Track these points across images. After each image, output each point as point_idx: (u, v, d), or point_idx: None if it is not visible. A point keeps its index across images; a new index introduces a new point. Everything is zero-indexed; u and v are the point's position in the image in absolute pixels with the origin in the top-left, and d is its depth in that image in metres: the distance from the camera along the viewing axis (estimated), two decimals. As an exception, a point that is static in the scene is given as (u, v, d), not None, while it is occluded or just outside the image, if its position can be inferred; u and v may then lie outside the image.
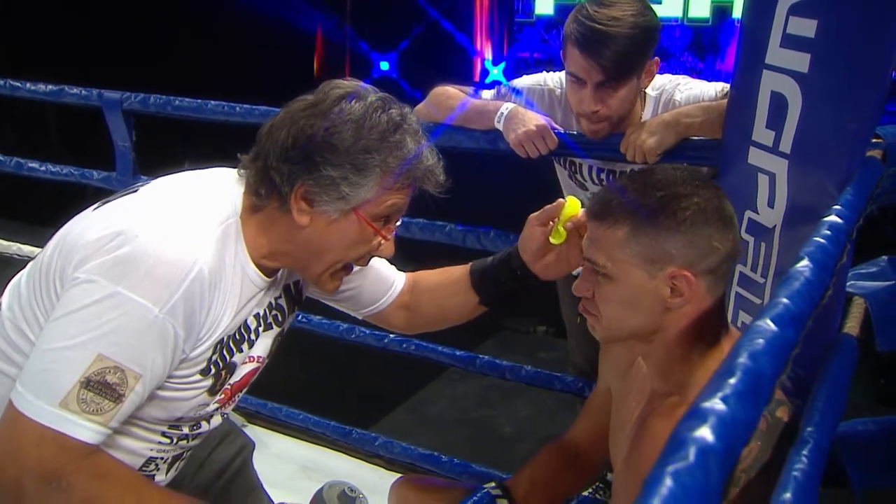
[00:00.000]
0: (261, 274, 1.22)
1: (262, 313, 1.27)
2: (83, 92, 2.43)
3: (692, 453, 0.55)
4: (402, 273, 1.52)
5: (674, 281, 1.11)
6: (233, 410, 2.65)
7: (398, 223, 1.26)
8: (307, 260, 1.22)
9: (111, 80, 2.67)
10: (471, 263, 1.49)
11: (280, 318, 1.32)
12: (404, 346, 2.23)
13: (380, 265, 1.48)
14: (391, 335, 2.23)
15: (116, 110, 2.36)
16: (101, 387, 1.04)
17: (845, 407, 1.28)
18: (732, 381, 0.66)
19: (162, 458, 1.26)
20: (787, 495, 0.99)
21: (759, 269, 1.50)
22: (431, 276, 1.53)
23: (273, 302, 1.30)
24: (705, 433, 0.58)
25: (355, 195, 1.15)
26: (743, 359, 0.71)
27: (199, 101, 2.25)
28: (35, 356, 1.08)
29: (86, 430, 1.05)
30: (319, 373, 3.25)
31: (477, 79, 9.60)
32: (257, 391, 2.56)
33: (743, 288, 1.56)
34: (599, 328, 1.20)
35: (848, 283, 1.52)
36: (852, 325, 1.41)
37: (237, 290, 1.18)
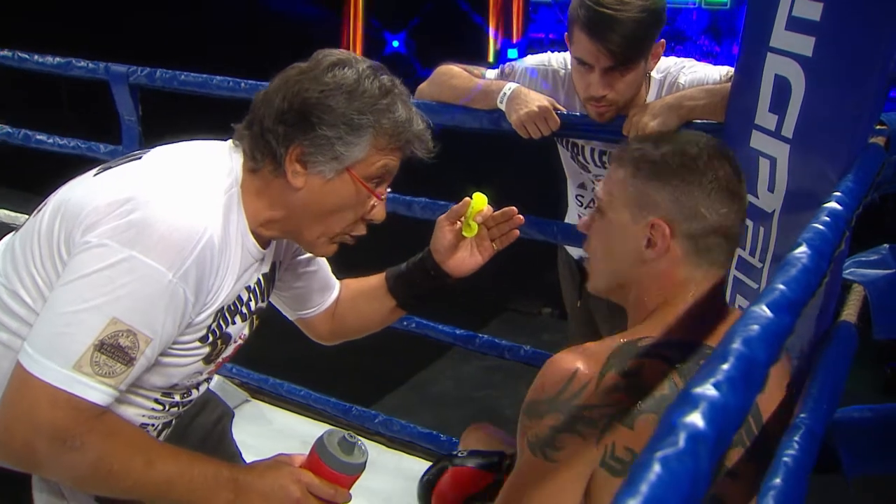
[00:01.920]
0: (257, 245, 1.24)
1: (252, 287, 1.29)
2: (90, 65, 2.43)
3: (682, 439, 0.55)
4: (337, 281, 1.56)
5: (651, 230, 1.13)
6: (237, 385, 2.71)
7: (389, 189, 1.28)
8: (302, 224, 1.24)
9: (122, 54, 2.68)
10: (386, 270, 1.55)
11: (259, 295, 1.33)
12: (405, 323, 2.23)
13: (327, 268, 1.53)
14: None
15: (123, 84, 2.36)
16: (114, 350, 1.06)
17: (842, 393, 1.28)
18: (725, 366, 0.66)
19: (153, 425, 1.28)
20: (777, 481, 0.99)
21: (758, 254, 1.49)
22: (350, 284, 1.58)
23: (261, 278, 1.31)
24: (696, 419, 0.57)
25: (349, 154, 1.19)
26: (737, 344, 0.70)
27: (205, 76, 2.25)
28: (46, 319, 1.09)
29: (98, 392, 1.07)
30: (323, 350, 3.27)
31: (490, 58, 9.56)
32: (261, 367, 2.61)
33: (741, 272, 1.56)
34: (591, 273, 1.25)
35: (848, 271, 1.51)
36: (849, 313, 1.40)
37: (238, 259, 1.21)
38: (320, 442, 1.18)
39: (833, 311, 1.39)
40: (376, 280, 1.54)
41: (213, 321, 1.21)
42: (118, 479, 1.10)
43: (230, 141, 1.25)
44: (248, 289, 1.27)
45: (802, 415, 1.10)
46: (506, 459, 1.38)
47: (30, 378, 1.06)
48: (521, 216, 1.44)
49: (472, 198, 1.42)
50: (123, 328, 1.06)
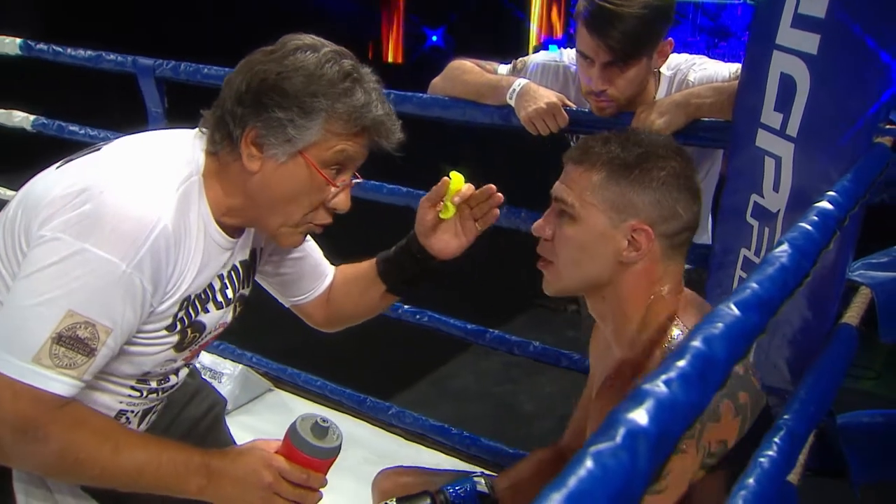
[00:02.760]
0: (223, 233, 1.24)
1: (226, 274, 1.29)
2: (119, 58, 2.49)
3: (620, 434, 0.54)
4: (332, 266, 1.55)
5: (633, 234, 1.15)
6: (260, 374, 2.74)
7: (358, 179, 1.26)
8: (261, 210, 1.23)
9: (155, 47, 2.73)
10: (377, 254, 1.53)
11: (237, 282, 1.33)
12: (417, 317, 2.25)
13: (318, 254, 1.52)
14: (404, 306, 2.26)
15: (149, 77, 2.42)
16: (72, 342, 1.07)
17: (834, 395, 1.26)
18: (681, 363, 0.64)
19: (132, 411, 1.30)
20: (750, 481, 0.98)
21: (762, 254, 1.47)
22: (345, 270, 1.57)
23: (237, 265, 1.32)
24: (639, 415, 0.56)
25: (301, 137, 1.16)
26: (696, 342, 0.69)
27: (227, 69, 2.26)
28: (5, 314, 1.10)
29: (59, 383, 1.08)
30: (347, 342, 3.29)
31: (531, 53, 9.50)
32: (287, 356, 2.64)
33: (746, 272, 1.54)
34: (552, 277, 1.23)
35: (857, 273, 1.48)
36: (852, 315, 1.38)
37: (200, 248, 1.20)
38: (293, 427, 1.19)
39: (835, 313, 1.37)
40: (368, 265, 1.53)
41: (180, 310, 1.21)
42: (85, 467, 1.12)
43: (196, 129, 1.25)
44: (220, 277, 1.28)
45: (785, 416, 1.08)
46: (438, 495, 1.40)
47: None
48: (500, 194, 1.40)
49: (449, 178, 1.38)
50: (81, 320, 1.07)
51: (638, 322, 1.19)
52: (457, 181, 1.38)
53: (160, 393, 1.33)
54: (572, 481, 0.50)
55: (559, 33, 9.78)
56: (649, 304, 1.18)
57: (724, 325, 0.74)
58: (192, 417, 1.54)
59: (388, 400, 2.53)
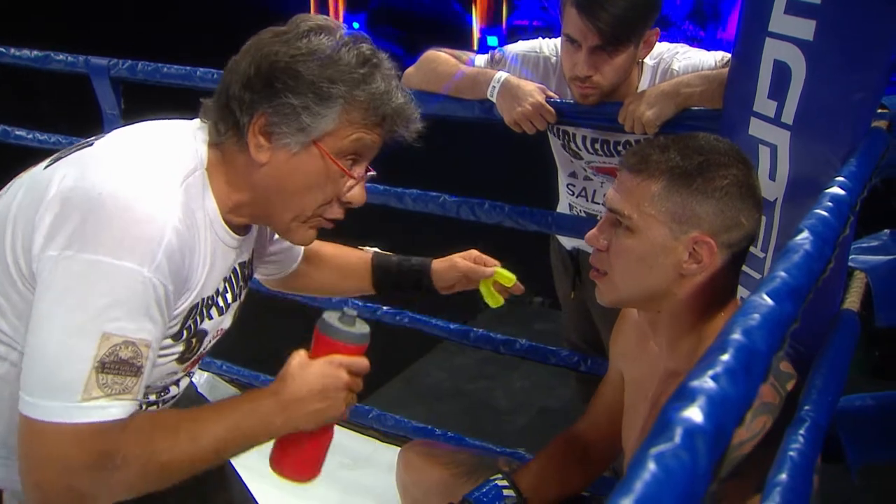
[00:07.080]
0: (230, 231, 1.16)
1: (228, 277, 1.21)
2: (69, 59, 2.37)
3: (678, 434, 0.53)
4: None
5: (695, 246, 1.11)
6: (228, 382, 2.66)
7: (371, 173, 1.19)
8: (271, 205, 1.14)
9: (102, 46, 2.62)
10: (373, 254, 1.56)
11: (236, 285, 1.25)
12: (397, 318, 2.20)
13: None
14: (384, 307, 2.21)
15: (104, 77, 2.30)
16: (117, 366, 0.98)
17: (844, 383, 1.26)
18: (724, 357, 0.64)
19: None
20: (783, 476, 0.97)
21: (759, 244, 1.47)
22: (332, 253, 1.56)
23: (237, 267, 1.23)
24: (693, 413, 0.56)
25: (316, 126, 1.08)
26: (736, 335, 0.69)
27: (188, 68, 2.19)
28: (34, 360, 0.99)
29: (117, 408, 0.99)
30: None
31: (474, 46, 9.50)
32: (251, 362, 2.56)
33: (747, 263, 1.53)
34: (607, 288, 1.20)
35: (850, 257, 1.49)
36: (853, 301, 1.39)
37: (209, 248, 1.12)
38: (325, 323, 1.15)
39: (840, 299, 1.37)
40: (361, 264, 1.53)
41: (189, 317, 1.13)
42: (173, 468, 1.03)
43: (196, 119, 1.15)
44: (225, 279, 1.19)
45: (807, 407, 1.07)
46: None
47: (42, 427, 0.96)
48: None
49: (496, 270, 1.51)
50: (118, 341, 0.97)
51: (697, 335, 1.16)
52: (507, 280, 1.51)
53: (161, 405, 1.25)
54: (638, 485, 0.49)
55: (499, 24, 9.80)
56: (709, 317, 1.15)
57: (761, 315, 0.74)
58: None
59: (360, 401, 2.47)
